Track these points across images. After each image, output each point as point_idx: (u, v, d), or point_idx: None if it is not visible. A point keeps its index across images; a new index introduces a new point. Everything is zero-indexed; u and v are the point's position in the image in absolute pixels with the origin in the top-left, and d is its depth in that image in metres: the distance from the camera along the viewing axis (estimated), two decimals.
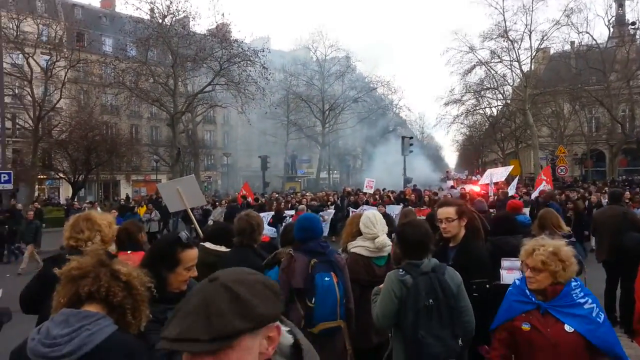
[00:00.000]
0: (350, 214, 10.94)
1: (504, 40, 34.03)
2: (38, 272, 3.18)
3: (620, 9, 36.95)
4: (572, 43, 35.53)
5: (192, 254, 2.37)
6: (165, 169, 38.17)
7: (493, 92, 39.08)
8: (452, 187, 23.08)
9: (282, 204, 17.25)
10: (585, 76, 34.32)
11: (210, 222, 10.95)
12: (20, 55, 28.85)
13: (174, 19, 29.22)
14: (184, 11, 29.53)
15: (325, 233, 12.98)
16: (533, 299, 2.62)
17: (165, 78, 29.62)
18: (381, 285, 3.08)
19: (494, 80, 37.15)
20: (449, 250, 3.70)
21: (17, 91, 30.59)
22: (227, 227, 4.39)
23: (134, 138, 39.70)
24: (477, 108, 41.11)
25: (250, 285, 1.08)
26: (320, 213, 14.15)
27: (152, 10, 29.16)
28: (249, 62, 29.36)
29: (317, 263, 3.43)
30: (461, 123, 43.35)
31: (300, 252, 3.52)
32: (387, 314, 2.95)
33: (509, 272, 3.68)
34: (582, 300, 2.56)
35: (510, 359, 2.74)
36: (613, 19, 34.79)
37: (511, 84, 37.44)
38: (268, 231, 10.02)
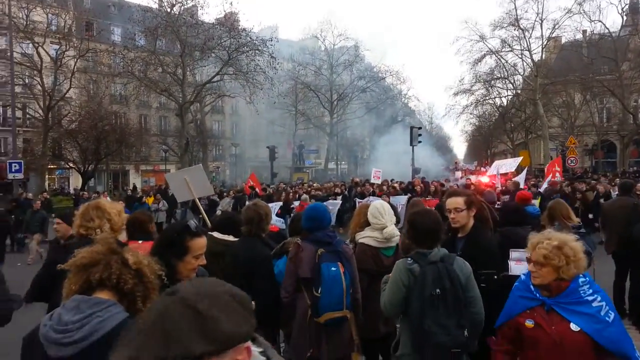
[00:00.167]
0: (357, 204, 10.91)
1: (514, 29, 33.72)
2: (46, 261, 3.21)
3: None
4: (584, 32, 34.96)
5: (201, 242, 2.38)
6: (174, 159, 38.28)
7: (503, 81, 38.75)
8: (461, 177, 22.96)
9: (290, 194, 17.22)
10: (597, 65, 33.65)
11: (218, 212, 10.98)
12: (30, 45, 29.02)
13: (182, 7, 29.25)
14: (192, 0, 29.51)
15: (333, 222, 12.94)
16: (538, 295, 2.48)
17: (173, 67, 29.67)
18: (390, 274, 3.08)
19: (504, 69, 36.81)
20: (458, 241, 3.68)
21: (27, 81, 30.79)
22: (235, 217, 4.42)
23: (142, 128, 39.78)
24: (487, 98, 40.82)
25: (214, 298, 0.92)
26: (325, 203, 14.05)
27: None
28: (257, 51, 29.34)
29: (323, 253, 3.44)
30: (470, 113, 43.23)
31: (308, 242, 3.54)
32: (394, 302, 2.97)
33: (518, 264, 3.62)
34: (590, 298, 2.41)
35: (515, 356, 2.65)
36: (627, 6, 34.00)
37: (521, 73, 37.10)
38: (276, 222, 10.02)
